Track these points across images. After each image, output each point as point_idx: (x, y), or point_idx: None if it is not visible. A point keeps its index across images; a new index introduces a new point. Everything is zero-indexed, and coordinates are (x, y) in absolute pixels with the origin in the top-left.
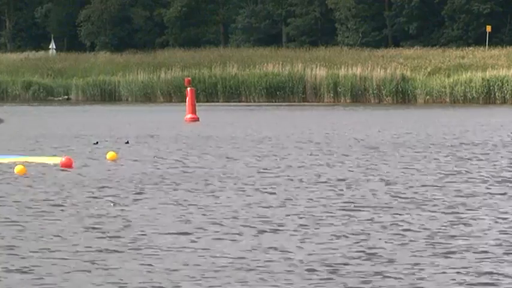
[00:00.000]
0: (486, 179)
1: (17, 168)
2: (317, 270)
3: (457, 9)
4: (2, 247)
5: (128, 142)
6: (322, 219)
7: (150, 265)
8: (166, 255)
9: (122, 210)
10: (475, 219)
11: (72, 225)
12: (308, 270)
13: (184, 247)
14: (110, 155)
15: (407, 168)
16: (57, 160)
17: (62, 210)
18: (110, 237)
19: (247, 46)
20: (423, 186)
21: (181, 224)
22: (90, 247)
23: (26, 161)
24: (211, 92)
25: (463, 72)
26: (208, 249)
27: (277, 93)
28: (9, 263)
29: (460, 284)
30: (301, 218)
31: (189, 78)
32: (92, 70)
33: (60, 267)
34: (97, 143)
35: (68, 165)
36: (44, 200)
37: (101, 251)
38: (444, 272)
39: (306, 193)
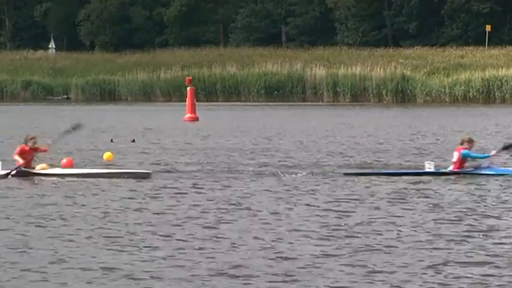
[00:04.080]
0: None
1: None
2: None
3: (456, 9)
4: None
5: (134, 140)
6: None
7: None
8: None
9: None
10: None
11: None
12: None
13: None
14: (106, 155)
15: None
16: None
17: None
18: None
19: (247, 45)
20: None
21: None
22: None
23: None
24: (210, 91)
25: (463, 71)
26: None
27: (275, 92)
28: None
29: None
30: None
31: (190, 77)
32: (92, 69)
33: None
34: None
35: (68, 166)
36: None
37: None
38: None
39: None
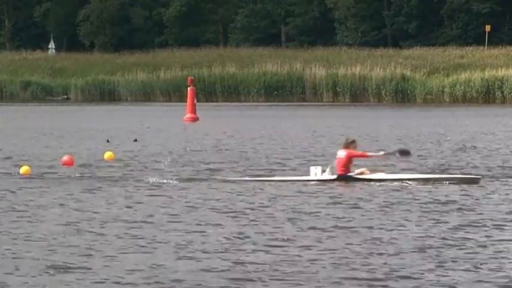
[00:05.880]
0: None
1: (23, 169)
2: None
3: (456, 9)
4: None
5: (136, 140)
6: None
7: None
8: None
9: None
10: None
11: None
12: None
13: None
14: (107, 155)
15: None
16: None
17: None
18: None
19: (246, 45)
20: None
21: None
22: None
23: None
24: (210, 92)
25: (463, 71)
26: None
27: (275, 92)
28: None
29: None
30: None
31: (192, 77)
32: (91, 69)
33: None
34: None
35: (69, 164)
36: None
37: None
38: None
39: None
